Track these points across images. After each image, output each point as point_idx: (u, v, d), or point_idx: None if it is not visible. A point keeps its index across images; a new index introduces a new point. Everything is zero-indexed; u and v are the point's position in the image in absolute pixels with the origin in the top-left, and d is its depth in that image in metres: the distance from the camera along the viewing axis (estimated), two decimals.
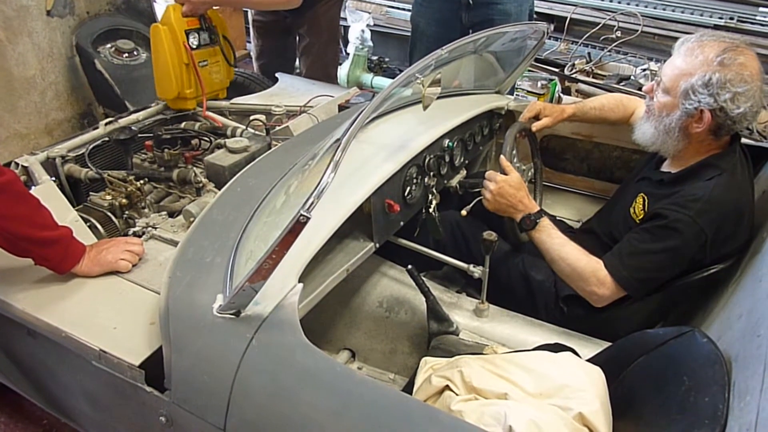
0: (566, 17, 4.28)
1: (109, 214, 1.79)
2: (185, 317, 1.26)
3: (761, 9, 3.84)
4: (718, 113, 1.56)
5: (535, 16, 3.84)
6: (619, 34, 4.09)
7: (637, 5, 4.18)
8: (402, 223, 1.80)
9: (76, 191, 2.03)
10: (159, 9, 3.17)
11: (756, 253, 1.56)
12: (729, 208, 1.57)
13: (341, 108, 2.41)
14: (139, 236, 1.70)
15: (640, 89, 3.36)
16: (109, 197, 1.83)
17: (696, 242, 1.56)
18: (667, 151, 1.73)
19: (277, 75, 2.92)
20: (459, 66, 2.23)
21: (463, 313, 1.76)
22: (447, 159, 1.97)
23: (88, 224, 1.72)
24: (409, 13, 3.08)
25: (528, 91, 3.62)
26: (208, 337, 1.23)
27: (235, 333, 1.20)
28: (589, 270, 1.67)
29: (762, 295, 1.32)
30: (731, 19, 3.92)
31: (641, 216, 1.72)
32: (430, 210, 1.88)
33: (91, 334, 1.34)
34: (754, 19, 3.87)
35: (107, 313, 1.41)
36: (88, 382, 1.47)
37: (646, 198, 1.74)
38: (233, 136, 2.20)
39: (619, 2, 4.24)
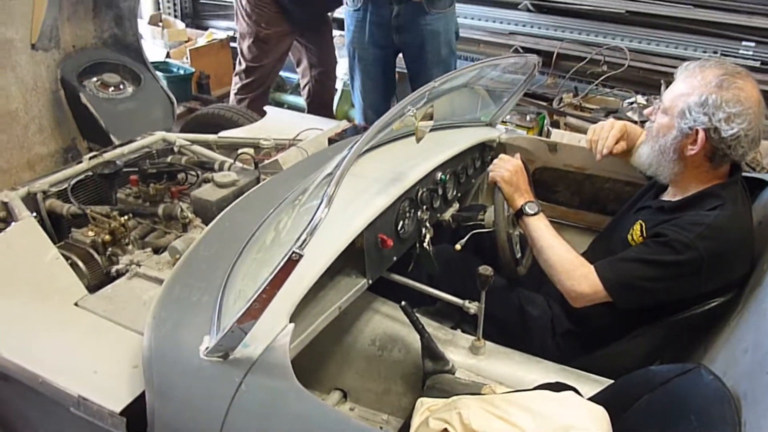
0: (553, 52, 4.35)
1: (91, 251, 1.75)
2: (170, 360, 1.22)
3: (744, 43, 3.93)
4: (712, 134, 1.56)
5: (520, 50, 3.92)
6: (605, 68, 4.15)
7: (622, 40, 4.26)
8: (395, 258, 1.76)
9: (57, 227, 1.99)
10: (146, 46, 3.18)
11: (757, 285, 1.53)
12: (730, 238, 1.56)
13: (331, 141, 2.39)
14: (122, 274, 1.64)
15: None
16: (91, 233, 1.79)
17: (691, 265, 1.54)
18: (663, 175, 1.72)
19: (265, 108, 2.92)
20: (450, 99, 2.22)
21: (459, 351, 1.71)
22: (440, 192, 1.95)
23: (69, 262, 1.68)
24: None
25: (517, 125, 3.63)
26: (194, 381, 1.18)
27: (223, 377, 1.16)
28: (576, 263, 1.67)
29: (767, 328, 1.29)
30: (715, 53, 4.01)
31: (640, 241, 1.70)
32: (424, 244, 1.85)
33: (70, 379, 1.29)
34: (737, 53, 3.96)
35: (87, 355, 1.36)
36: (65, 430, 1.41)
37: (644, 224, 1.72)
38: (221, 169, 2.16)
39: (605, 37, 4.31)
